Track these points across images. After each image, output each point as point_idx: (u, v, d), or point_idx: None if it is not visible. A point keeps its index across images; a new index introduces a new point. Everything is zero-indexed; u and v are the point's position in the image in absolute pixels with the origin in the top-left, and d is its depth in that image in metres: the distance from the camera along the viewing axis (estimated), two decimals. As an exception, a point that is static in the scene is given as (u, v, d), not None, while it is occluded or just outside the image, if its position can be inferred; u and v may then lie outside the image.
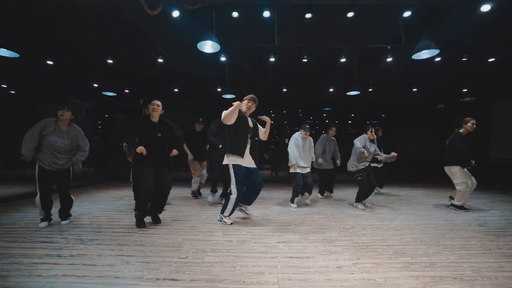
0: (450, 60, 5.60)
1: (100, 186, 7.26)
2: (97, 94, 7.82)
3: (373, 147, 4.62)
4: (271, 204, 4.91)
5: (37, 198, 3.35)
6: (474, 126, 4.42)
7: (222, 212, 3.58)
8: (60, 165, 3.36)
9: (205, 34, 4.20)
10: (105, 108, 9.42)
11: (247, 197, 3.71)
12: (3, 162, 10.49)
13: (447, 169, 4.51)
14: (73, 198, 3.71)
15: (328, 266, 2.25)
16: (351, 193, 6.28)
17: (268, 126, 3.64)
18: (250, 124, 3.63)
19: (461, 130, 4.48)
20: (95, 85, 7.25)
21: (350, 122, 13.40)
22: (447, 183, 5.46)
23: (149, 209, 3.46)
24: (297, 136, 4.74)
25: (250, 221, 3.73)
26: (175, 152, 3.55)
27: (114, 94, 7.51)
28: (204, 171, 5.44)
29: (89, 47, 5.14)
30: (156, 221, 3.52)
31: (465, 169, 4.40)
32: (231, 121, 3.39)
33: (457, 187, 4.41)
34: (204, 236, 3.05)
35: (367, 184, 4.49)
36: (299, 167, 4.65)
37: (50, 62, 5.79)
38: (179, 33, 4.66)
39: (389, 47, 5.02)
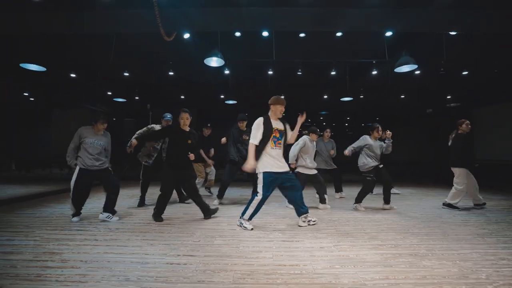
0: (430, 72, 6.19)
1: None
2: (109, 100, 8.43)
3: (379, 146, 4.64)
4: (270, 201, 5.45)
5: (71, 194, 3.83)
6: (469, 126, 4.68)
7: (243, 215, 3.51)
8: (98, 166, 3.85)
9: (211, 51, 4.79)
10: (114, 112, 10.04)
11: (296, 205, 3.61)
12: (17, 163, 11.12)
13: (454, 170, 4.73)
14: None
15: (313, 247, 2.81)
16: (346, 192, 6.83)
17: (297, 127, 3.56)
18: (280, 127, 3.54)
19: (459, 132, 4.75)
20: (109, 93, 7.86)
21: (346, 125, 14.02)
22: (433, 183, 5.94)
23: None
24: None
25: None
26: (192, 156, 3.99)
27: (124, 100, 8.09)
28: (212, 168, 5.89)
29: (109, 63, 5.74)
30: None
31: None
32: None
33: (457, 186, 4.66)
34: (212, 226, 3.62)
35: (371, 187, 4.66)
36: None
37: (73, 75, 6.39)
38: (189, 50, 5.24)
39: (374, 62, 5.61)
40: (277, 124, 3.52)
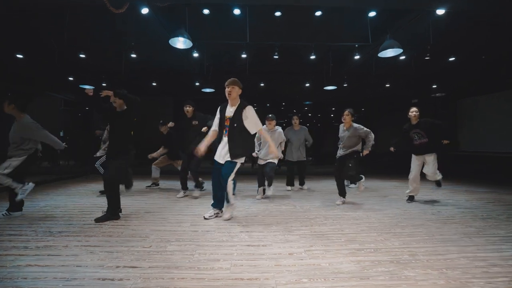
0: (415, 58, 5.85)
1: (80, 179, 7.25)
2: (74, 87, 7.72)
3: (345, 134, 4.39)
4: (244, 196, 5.07)
5: None
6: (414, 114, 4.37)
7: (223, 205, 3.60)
8: None
9: (177, 30, 4.25)
10: (84, 101, 9.31)
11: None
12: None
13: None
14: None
15: (280, 253, 2.43)
16: (327, 185, 6.54)
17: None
18: (230, 114, 3.43)
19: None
20: (70, 78, 7.15)
21: (332, 115, 13.71)
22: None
23: None
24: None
25: (221, 213, 3.87)
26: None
27: (92, 87, 7.40)
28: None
29: (60, 41, 5.08)
30: None
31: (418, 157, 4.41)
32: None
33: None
34: (172, 227, 3.18)
35: (336, 175, 4.43)
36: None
37: (20, 56, 5.66)
38: (152, 29, 4.68)
39: (357, 45, 5.21)
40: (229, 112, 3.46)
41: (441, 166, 4.56)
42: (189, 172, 4.85)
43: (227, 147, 3.37)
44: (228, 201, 3.49)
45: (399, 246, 2.61)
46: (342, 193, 4.49)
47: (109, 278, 1.96)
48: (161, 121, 5.51)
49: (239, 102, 3.46)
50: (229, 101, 3.48)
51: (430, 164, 4.37)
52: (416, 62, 6.15)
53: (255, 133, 3.58)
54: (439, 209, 4.12)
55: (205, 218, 3.48)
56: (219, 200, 3.58)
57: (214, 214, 3.57)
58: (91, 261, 2.24)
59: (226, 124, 3.44)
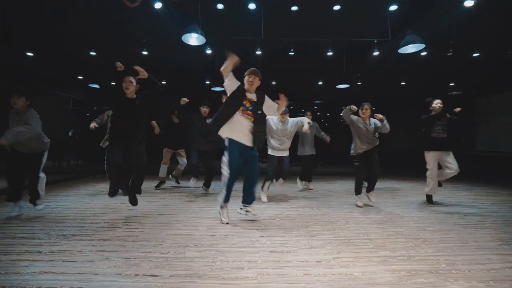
0: (436, 54, 5.62)
1: (88, 179, 7.18)
2: (83, 86, 7.66)
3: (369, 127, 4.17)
4: (258, 198, 4.92)
5: None
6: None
7: (248, 201, 3.44)
8: None
9: (189, 26, 4.11)
10: (93, 100, 9.25)
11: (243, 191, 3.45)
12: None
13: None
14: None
15: (307, 261, 2.28)
16: (340, 186, 6.37)
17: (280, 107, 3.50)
18: (253, 97, 3.35)
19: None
20: (80, 77, 7.08)
21: (341, 115, 13.38)
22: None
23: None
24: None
25: (237, 215, 3.73)
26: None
27: (99, 87, 7.37)
28: (183, 159, 5.60)
29: (71, 37, 4.98)
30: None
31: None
32: (230, 88, 3.29)
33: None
34: (188, 230, 3.05)
35: (364, 172, 4.17)
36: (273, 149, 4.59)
37: (30, 54, 5.59)
38: (164, 24, 4.55)
39: (375, 41, 5.01)
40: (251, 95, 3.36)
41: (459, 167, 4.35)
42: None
43: (251, 133, 3.28)
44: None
45: (433, 253, 2.43)
46: (360, 191, 4.31)
47: (129, 288, 1.83)
48: (175, 111, 5.41)
49: (255, 92, 3.42)
50: (247, 89, 3.35)
51: (450, 159, 4.19)
52: (436, 58, 5.91)
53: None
54: (465, 212, 3.92)
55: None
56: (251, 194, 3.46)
57: (245, 211, 3.45)
58: (108, 268, 2.11)
59: (245, 104, 3.30)
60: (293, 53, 5.02)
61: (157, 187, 5.71)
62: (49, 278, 1.95)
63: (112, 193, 3.52)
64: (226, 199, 3.31)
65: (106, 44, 5.71)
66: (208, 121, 4.62)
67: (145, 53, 5.23)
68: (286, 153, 4.68)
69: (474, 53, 5.68)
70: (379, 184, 6.59)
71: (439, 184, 4.50)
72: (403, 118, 11.66)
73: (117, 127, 3.35)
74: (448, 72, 7.25)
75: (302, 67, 6.97)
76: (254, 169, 3.40)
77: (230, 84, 3.30)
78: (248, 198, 3.46)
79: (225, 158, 3.24)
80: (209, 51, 5.17)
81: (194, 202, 4.53)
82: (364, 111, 4.19)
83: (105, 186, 5.98)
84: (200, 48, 5.18)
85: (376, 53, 5.07)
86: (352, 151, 4.34)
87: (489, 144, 9.17)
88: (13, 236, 2.82)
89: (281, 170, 4.73)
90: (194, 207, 4.19)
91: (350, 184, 5.57)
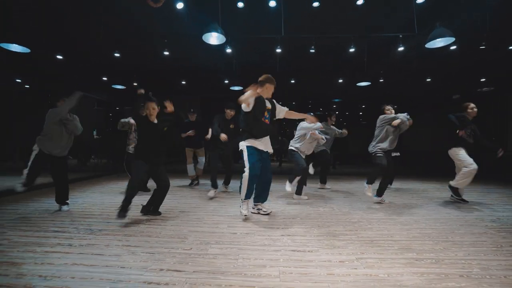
0: (467, 48, 5.31)
1: (111, 177, 7.45)
2: (107, 87, 7.96)
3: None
4: (277, 197, 4.90)
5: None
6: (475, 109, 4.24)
7: (261, 201, 3.66)
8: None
9: (210, 25, 4.15)
10: (116, 101, 9.59)
11: (257, 190, 3.61)
12: (20, 154, 10.83)
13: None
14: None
15: (330, 260, 2.24)
16: (360, 186, 6.21)
17: (300, 115, 3.73)
18: (268, 105, 3.51)
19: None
20: (104, 78, 7.36)
21: (361, 113, 13.13)
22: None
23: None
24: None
25: (256, 214, 3.74)
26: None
27: (123, 87, 7.62)
28: (202, 158, 5.79)
29: (96, 41, 5.17)
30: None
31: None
32: (248, 108, 3.36)
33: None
34: (209, 228, 3.09)
35: (384, 164, 4.12)
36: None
37: (59, 57, 5.88)
38: (184, 25, 4.63)
39: (401, 36, 4.82)
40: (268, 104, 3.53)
41: (491, 168, 4.20)
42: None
43: (268, 139, 3.53)
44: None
45: (464, 257, 2.31)
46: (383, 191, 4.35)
47: (154, 282, 1.88)
48: (191, 110, 5.63)
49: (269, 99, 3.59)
50: (266, 96, 3.51)
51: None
52: (465, 52, 5.59)
53: None
54: (498, 215, 3.70)
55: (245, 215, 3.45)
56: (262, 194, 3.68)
57: (257, 209, 3.69)
58: (134, 262, 2.18)
59: (265, 114, 3.49)
60: (313, 51, 4.93)
61: (190, 185, 5.97)
62: (80, 270, 2.04)
63: (125, 208, 3.31)
64: (248, 196, 3.46)
65: (128, 46, 5.89)
66: (232, 125, 4.77)
67: (166, 53, 5.35)
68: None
69: (509, 46, 5.30)
70: (403, 185, 6.41)
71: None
72: (428, 118, 11.21)
73: (143, 148, 3.48)
74: (478, 68, 6.86)
75: (321, 65, 6.84)
76: (268, 168, 3.60)
77: (248, 105, 3.38)
78: (261, 197, 3.69)
79: (246, 162, 3.41)
80: (229, 50, 5.19)
81: (214, 200, 4.58)
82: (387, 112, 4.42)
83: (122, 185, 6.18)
84: (219, 47, 5.22)
85: (401, 49, 4.86)
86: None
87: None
88: (46, 229, 2.97)
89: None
90: (214, 205, 4.24)
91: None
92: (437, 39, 4.08)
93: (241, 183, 3.43)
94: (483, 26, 4.40)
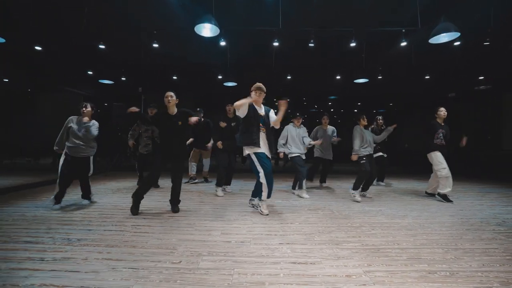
0: (470, 44, 5.14)
1: (98, 177, 7.08)
2: (94, 82, 7.55)
3: (370, 136, 4.61)
4: (274, 198, 4.67)
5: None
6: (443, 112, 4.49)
7: (259, 197, 3.68)
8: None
9: (203, 16, 3.86)
10: (103, 97, 9.16)
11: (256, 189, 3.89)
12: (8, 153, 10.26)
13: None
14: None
15: (336, 275, 2.01)
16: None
17: (280, 112, 3.51)
18: (262, 112, 3.66)
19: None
20: (90, 72, 6.95)
21: (355, 111, 12.96)
22: (456, 175, 5.13)
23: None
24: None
25: (252, 218, 3.50)
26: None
27: (111, 82, 7.23)
28: (207, 161, 5.82)
29: (79, 31, 4.79)
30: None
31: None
32: (242, 113, 3.52)
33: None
34: (201, 235, 2.83)
35: (368, 170, 4.44)
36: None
37: (38, 48, 5.45)
38: (176, 16, 4.31)
39: (403, 30, 4.61)
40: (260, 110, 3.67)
41: (484, 167, 4.13)
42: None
43: (267, 144, 3.65)
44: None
45: (479, 268, 2.13)
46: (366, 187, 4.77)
47: (136, 307, 1.61)
48: (198, 109, 5.51)
49: (261, 104, 3.73)
50: (255, 102, 3.61)
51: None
52: (465, 49, 5.44)
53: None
54: (503, 218, 3.56)
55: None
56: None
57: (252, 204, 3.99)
58: (114, 281, 1.91)
59: (259, 122, 3.62)
60: (312, 45, 4.67)
61: (187, 182, 5.91)
62: (49, 292, 1.76)
63: (137, 205, 3.64)
64: (269, 195, 3.62)
65: (115, 37, 5.51)
66: (233, 124, 4.79)
67: (155, 45, 4.99)
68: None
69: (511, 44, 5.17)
70: (401, 184, 6.27)
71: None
72: (428, 117, 11.09)
73: (163, 142, 3.69)
74: (478, 65, 6.73)
75: (319, 60, 6.59)
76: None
77: (242, 111, 3.52)
78: (257, 193, 3.85)
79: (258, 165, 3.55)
80: (223, 43, 4.87)
81: (206, 203, 4.32)
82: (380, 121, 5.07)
83: (115, 185, 5.86)
84: (212, 41, 4.92)
85: (403, 43, 4.63)
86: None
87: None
88: (17, 239, 2.66)
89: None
90: (207, 208, 3.98)
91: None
92: (442, 34, 3.89)
93: (259, 187, 3.63)
94: (488, 21, 4.23)
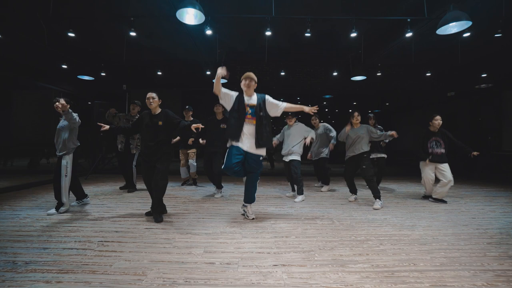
0: (479, 36, 4.76)
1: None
2: (72, 78, 6.96)
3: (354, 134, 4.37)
4: (266, 205, 4.23)
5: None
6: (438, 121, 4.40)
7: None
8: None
9: (185, 0, 3.39)
10: (83, 93, 8.54)
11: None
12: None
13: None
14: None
15: (346, 314, 1.57)
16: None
17: (299, 107, 3.41)
18: (252, 102, 3.35)
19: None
20: (64, 66, 6.36)
21: (350, 111, 12.58)
22: (457, 177, 4.80)
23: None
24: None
25: (241, 230, 3.04)
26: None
27: (92, 78, 6.68)
28: (192, 161, 5.47)
29: (39, 18, 4.23)
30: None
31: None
32: (227, 105, 3.35)
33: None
34: (180, 254, 2.36)
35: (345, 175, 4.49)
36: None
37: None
38: (156, 4, 3.81)
39: (409, 20, 4.21)
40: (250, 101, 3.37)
41: (484, 168, 3.77)
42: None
43: (254, 138, 3.27)
44: (253, 200, 3.51)
45: (520, 299, 1.72)
46: (354, 190, 4.58)
47: None
48: (187, 107, 5.23)
49: (254, 93, 3.43)
50: (245, 92, 3.37)
51: (446, 171, 4.29)
52: (470, 43, 5.09)
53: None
54: (524, 227, 3.19)
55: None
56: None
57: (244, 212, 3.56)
58: (53, 327, 1.43)
59: (247, 111, 3.30)
60: (309, 34, 4.23)
61: (183, 184, 5.78)
62: None
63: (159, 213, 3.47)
64: (248, 200, 3.50)
65: (91, 27, 4.97)
66: (222, 125, 4.61)
67: (133, 34, 4.47)
68: (294, 157, 4.55)
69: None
70: (402, 188, 5.90)
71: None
72: (428, 116, 10.81)
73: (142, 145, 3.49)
74: (480, 63, 6.42)
75: (314, 55, 6.18)
76: (251, 169, 3.44)
77: (226, 100, 3.35)
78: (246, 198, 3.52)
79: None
80: (209, 32, 4.38)
81: (191, 212, 3.83)
82: (357, 117, 4.44)
83: (93, 189, 5.31)
84: (198, 32, 4.44)
85: (408, 34, 4.22)
86: None
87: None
88: (-51, 263, 2.14)
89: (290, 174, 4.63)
90: (191, 218, 3.50)
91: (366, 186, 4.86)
92: (450, 24, 3.50)
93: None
94: (499, 11, 3.87)
